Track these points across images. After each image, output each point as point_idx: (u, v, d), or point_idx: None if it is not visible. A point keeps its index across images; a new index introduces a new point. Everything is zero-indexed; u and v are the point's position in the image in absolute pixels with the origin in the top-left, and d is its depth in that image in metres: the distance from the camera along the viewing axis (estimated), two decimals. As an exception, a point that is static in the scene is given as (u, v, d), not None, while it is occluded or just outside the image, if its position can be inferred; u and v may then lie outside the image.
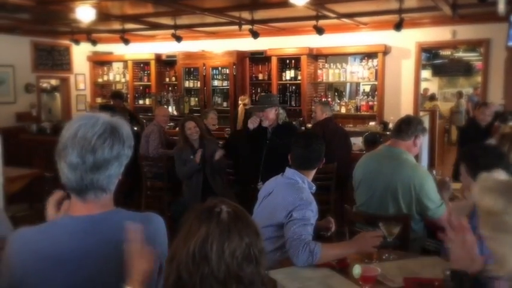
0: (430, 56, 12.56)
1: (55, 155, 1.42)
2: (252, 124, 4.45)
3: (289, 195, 2.58)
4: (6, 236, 3.29)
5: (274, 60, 7.84)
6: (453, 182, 4.21)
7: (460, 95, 12.64)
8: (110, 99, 8.43)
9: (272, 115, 4.40)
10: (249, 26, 7.03)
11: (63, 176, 1.41)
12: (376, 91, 7.54)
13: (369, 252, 2.37)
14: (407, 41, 7.24)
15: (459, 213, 2.26)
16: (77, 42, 8.79)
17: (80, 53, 9.56)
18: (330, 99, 7.92)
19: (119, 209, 1.49)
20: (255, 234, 1.23)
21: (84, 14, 5.83)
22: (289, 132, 4.32)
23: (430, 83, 13.63)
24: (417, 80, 7.44)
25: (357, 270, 1.94)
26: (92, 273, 1.39)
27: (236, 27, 7.16)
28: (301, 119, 7.52)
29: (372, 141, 5.82)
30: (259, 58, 8.13)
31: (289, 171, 2.75)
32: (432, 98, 12.75)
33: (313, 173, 2.79)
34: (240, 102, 7.59)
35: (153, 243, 1.41)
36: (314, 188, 2.74)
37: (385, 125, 6.91)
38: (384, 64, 7.38)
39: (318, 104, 6.18)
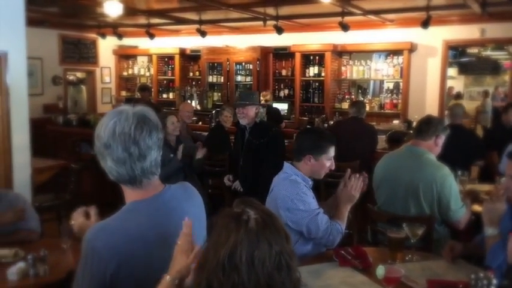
0: (456, 53, 12.32)
1: (97, 155, 1.50)
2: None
3: (284, 189, 2.61)
4: (36, 229, 3.37)
5: (298, 56, 7.82)
6: (478, 183, 4.17)
7: (486, 94, 12.39)
8: (138, 91, 8.54)
9: (252, 113, 4.28)
10: (273, 22, 7.02)
11: (112, 172, 1.49)
12: (401, 89, 7.45)
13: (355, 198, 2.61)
14: (434, 39, 7.13)
15: (491, 215, 2.23)
16: (103, 35, 8.92)
17: (106, 47, 9.70)
18: (353, 96, 7.86)
19: (167, 185, 1.60)
20: (284, 240, 1.22)
21: (112, 9, 5.90)
22: (263, 132, 4.23)
23: (456, 81, 13.38)
24: (443, 79, 7.33)
25: (380, 271, 1.94)
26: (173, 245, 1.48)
27: (260, 22, 7.16)
28: (323, 116, 7.49)
29: (396, 139, 5.76)
30: (283, 54, 8.12)
31: (284, 165, 2.74)
32: (458, 96, 12.51)
33: (302, 165, 2.68)
34: (261, 98, 7.53)
35: (201, 210, 1.67)
36: (311, 183, 2.70)
37: (409, 123, 6.83)
38: (409, 62, 7.29)
39: None
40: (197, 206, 1.68)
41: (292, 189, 2.57)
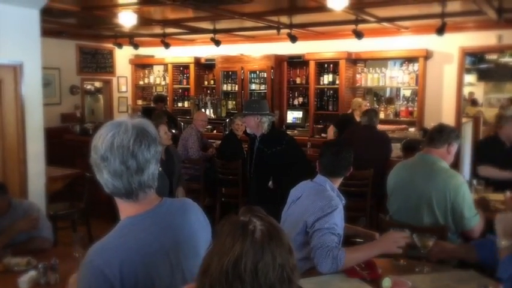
0: (475, 60, 12.14)
1: (93, 167, 1.46)
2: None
3: (319, 200, 2.57)
4: (49, 238, 3.39)
5: (312, 65, 7.80)
6: (494, 192, 4.08)
7: (511, 101, 12.13)
8: (153, 102, 8.63)
9: (252, 122, 4.12)
10: (287, 30, 7.02)
11: (107, 185, 1.46)
12: (416, 96, 7.37)
13: (394, 252, 2.38)
14: (450, 46, 7.05)
15: (505, 226, 2.18)
16: (119, 45, 9.04)
17: (123, 56, 9.82)
18: (368, 104, 7.80)
19: (164, 198, 1.57)
20: (287, 253, 1.22)
21: (126, 19, 5.99)
22: (275, 140, 4.15)
23: (476, 88, 13.18)
24: (460, 86, 7.22)
25: (386, 283, 1.90)
26: (173, 260, 1.47)
27: (274, 31, 7.17)
28: (338, 123, 7.43)
29: (411, 148, 5.67)
30: (297, 62, 8.12)
31: (319, 178, 2.75)
32: (474, 103, 12.30)
33: (339, 181, 2.78)
34: (353, 108, 7.15)
35: (205, 225, 1.61)
36: (344, 201, 2.68)
37: (424, 131, 6.73)
38: (425, 69, 7.21)
39: None
40: (195, 221, 1.61)
41: (328, 202, 2.56)
